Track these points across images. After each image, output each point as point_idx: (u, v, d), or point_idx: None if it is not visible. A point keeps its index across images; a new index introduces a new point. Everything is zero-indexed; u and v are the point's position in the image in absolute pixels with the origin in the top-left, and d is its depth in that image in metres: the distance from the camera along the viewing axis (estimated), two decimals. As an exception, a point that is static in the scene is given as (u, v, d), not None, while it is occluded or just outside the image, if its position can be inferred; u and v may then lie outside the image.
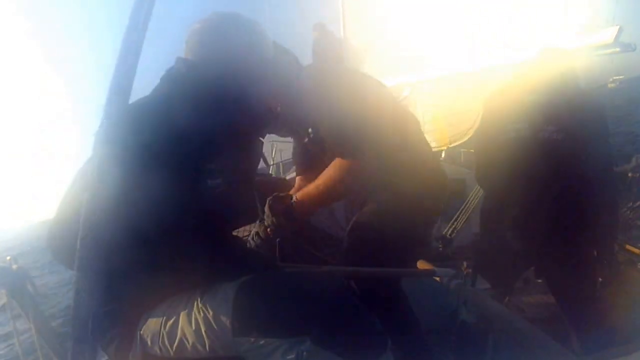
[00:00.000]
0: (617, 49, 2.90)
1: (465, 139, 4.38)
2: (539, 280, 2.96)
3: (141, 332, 1.37)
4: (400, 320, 2.45)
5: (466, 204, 3.88)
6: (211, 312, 1.27)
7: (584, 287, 2.38)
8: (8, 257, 1.29)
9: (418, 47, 5.03)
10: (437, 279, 1.96)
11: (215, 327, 1.25)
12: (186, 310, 1.32)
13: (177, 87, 1.36)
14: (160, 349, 1.34)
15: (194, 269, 1.31)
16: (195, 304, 1.32)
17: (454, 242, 3.75)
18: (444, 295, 2.54)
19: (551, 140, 2.27)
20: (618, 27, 2.91)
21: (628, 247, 3.14)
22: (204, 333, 1.27)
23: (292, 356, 1.16)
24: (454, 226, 3.80)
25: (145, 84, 1.44)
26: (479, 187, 3.89)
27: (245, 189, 1.48)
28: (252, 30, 1.50)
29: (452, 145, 4.53)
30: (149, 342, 1.36)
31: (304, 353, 1.15)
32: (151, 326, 1.37)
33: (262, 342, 1.19)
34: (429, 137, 4.64)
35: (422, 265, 2.25)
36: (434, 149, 4.41)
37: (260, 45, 1.52)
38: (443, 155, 4.59)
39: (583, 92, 2.45)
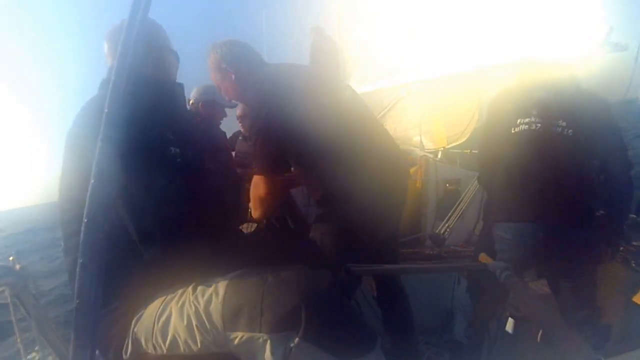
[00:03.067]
0: (609, 49, 2.90)
1: (463, 139, 4.39)
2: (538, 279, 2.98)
3: (135, 330, 1.38)
4: (397, 318, 2.51)
5: (459, 202, 3.89)
6: (202, 306, 1.28)
7: (587, 286, 2.37)
8: (11, 257, 1.30)
9: (414, 48, 5.04)
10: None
11: (206, 321, 1.26)
12: (179, 305, 1.33)
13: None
14: (154, 347, 1.35)
15: (185, 262, 1.35)
16: (188, 298, 1.33)
17: (446, 240, 3.77)
18: (443, 295, 2.58)
19: (563, 135, 2.25)
20: (609, 26, 2.91)
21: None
22: (195, 327, 1.27)
23: (280, 351, 1.17)
24: (447, 225, 3.81)
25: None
26: (472, 186, 3.90)
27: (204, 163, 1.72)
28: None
29: (450, 146, 4.54)
30: (142, 341, 1.36)
31: (292, 348, 1.16)
32: (144, 324, 1.37)
33: (251, 336, 1.20)
34: (426, 139, 4.68)
35: (483, 258, 2.28)
36: (431, 150, 4.43)
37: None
38: (439, 155, 4.60)
39: (586, 90, 2.39)
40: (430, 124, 4.69)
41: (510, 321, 2.61)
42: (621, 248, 3.10)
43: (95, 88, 1.60)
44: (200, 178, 1.60)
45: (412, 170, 4.07)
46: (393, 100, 5.02)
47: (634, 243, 3.12)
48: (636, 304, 2.68)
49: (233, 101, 2.61)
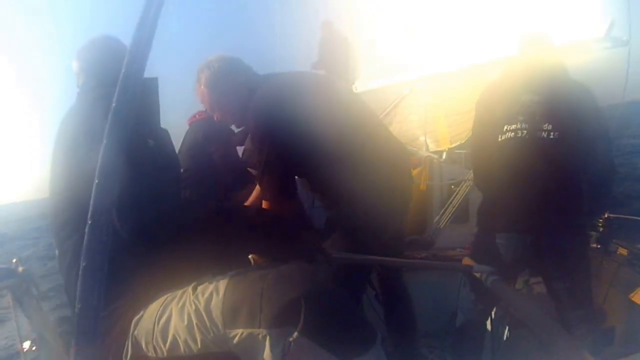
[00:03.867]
0: (608, 44, 2.84)
1: (466, 139, 4.36)
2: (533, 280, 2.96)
3: (135, 333, 1.37)
4: (400, 317, 2.50)
5: (449, 204, 3.85)
6: (203, 305, 1.27)
7: (580, 286, 2.33)
8: (14, 260, 1.29)
9: (418, 45, 5.01)
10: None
11: (207, 319, 1.25)
12: (179, 306, 1.32)
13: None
14: (155, 349, 1.33)
15: (183, 261, 1.36)
16: (188, 298, 1.32)
17: (434, 244, 3.76)
18: (447, 298, 2.56)
19: (549, 140, 2.21)
20: (610, 20, 2.83)
21: (620, 249, 3.12)
22: (195, 326, 1.26)
23: (279, 347, 1.16)
24: (438, 224, 3.78)
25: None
26: (463, 188, 3.87)
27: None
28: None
29: (454, 145, 4.50)
30: (142, 344, 1.35)
31: (290, 344, 1.14)
32: (144, 326, 1.36)
33: (249, 333, 1.19)
34: (430, 139, 4.66)
35: (466, 261, 2.26)
36: (435, 150, 4.40)
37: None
38: (444, 156, 4.55)
39: (576, 85, 2.34)
40: (435, 124, 4.67)
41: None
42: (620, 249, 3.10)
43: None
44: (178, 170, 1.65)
45: (416, 171, 4.05)
46: (396, 99, 4.99)
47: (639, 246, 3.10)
48: (635, 303, 2.67)
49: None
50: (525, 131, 2.26)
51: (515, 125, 2.28)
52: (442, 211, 3.87)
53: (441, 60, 4.45)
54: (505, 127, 2.31)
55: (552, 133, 2.21)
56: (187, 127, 3.95)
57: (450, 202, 3.86)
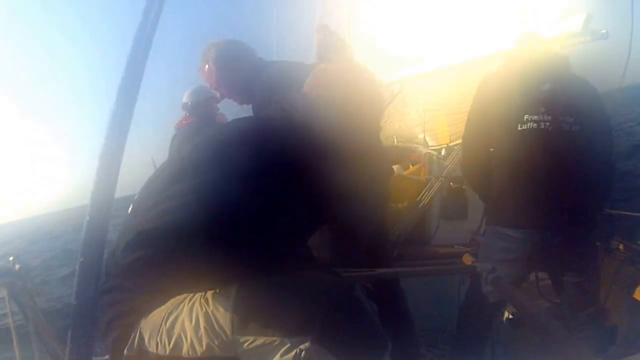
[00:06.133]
0: (588, 38, 2.79)
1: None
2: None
3: (141, 327, 1.36)
4: (397, 319, 2.49)
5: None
6: (212, 308, 1.26)
7: (591, 282, 2.31)
8: (11, 258, 1.29)
9: (414, 40, 5.00)
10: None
11: (215, 324, 1.25)
12: (190, 305, 1.32)
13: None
14: (157, 345, 1.32)
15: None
16: (199, 299, 1.31)
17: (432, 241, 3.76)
18: (446, 296, 2.55)
19: (571, 132, 2.16)
20: (586, 14, 2.80)
21: (621, 246, 3.11)
22: (202, 329, 1.26)
23: (291, 356, 1.15)
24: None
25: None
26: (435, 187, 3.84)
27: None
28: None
29: (453, 143, 4.49)
30: (146, 337, 1.34)
31: (302, 353, 1.14)
32: (152, 320, 1.35)
33: (261, 341, 1.19)
34: (429, 136, 4.65)
35: (466, 259, 2.22)
36: (435, 147, 4.39)
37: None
38: (443, 152, 4.54)
39: (584, 81, 2.33)
40: (434, 122, 4.66)
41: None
42: (621, 247, 3.09)
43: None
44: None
45: (415, 167, 4.04)
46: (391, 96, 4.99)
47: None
48: (637, 300, 2.66)
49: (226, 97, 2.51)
50: (548, 123, 2.18)
51: (537, 116, 2.19)
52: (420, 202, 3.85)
53: (439, 56, 4.45)
54: (526, 117, 2.21)
55: (573, 126, 2.17)
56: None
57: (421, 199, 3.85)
